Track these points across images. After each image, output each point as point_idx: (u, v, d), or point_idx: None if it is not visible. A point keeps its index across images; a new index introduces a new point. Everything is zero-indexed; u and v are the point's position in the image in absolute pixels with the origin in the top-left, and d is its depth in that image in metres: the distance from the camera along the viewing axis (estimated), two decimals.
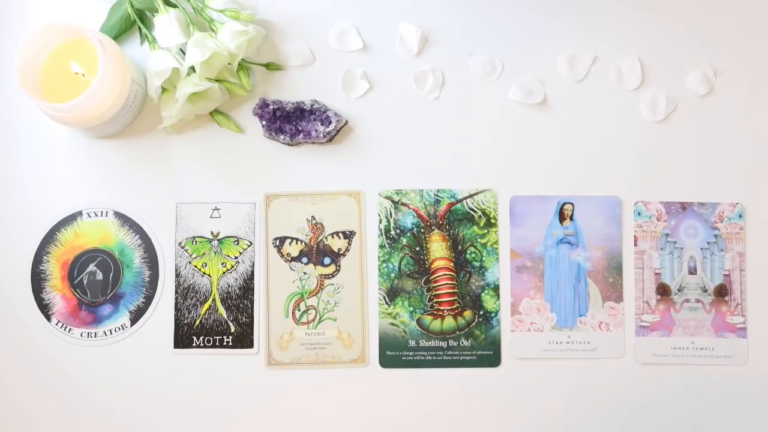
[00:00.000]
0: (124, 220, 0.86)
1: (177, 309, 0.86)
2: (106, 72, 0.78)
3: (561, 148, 0.87)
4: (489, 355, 0.86)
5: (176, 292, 0.86)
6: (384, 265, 0.86)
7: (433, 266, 0.86)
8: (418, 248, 0.86)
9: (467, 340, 0.86)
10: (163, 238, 0.86)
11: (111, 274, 0.86)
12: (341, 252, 0.86)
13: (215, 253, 0.86)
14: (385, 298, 0.86)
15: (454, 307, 0.86)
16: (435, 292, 0.86)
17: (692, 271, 0.86)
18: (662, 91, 0.87)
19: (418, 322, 0.86)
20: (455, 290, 0.86)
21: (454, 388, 0.85)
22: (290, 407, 0.85)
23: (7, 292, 0.86)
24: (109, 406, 0.85)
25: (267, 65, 0.87)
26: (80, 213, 0.86)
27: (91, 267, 0.86)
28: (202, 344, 0.85)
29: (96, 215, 0.87)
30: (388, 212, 0.87)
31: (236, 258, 0.86)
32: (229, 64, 0.84)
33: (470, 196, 0.87)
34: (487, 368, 0.86)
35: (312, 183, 0.87)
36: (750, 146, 0.87)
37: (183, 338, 0.85)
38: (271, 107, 0.85)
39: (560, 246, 0.86)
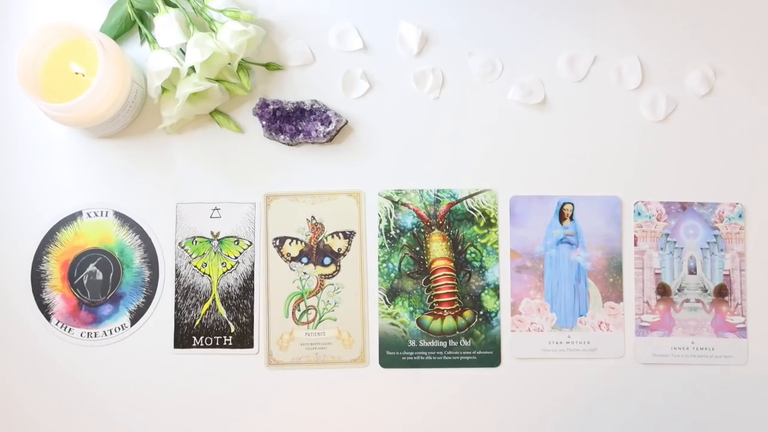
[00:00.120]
0: (124, 220, 0.86)
1: (177, 309, 0.86)
2: (106, 72, 0.78)
3: (561, 148, 0.87)
4: (489, 355, 0.86)
5: (176, 292, 0.86)
6: (384, 265, 0.86)
7: (433, 266, 0.86)
8: (418, 248, 0.86)
9: (467, 340, 0.86)
10: (163, 238, 0.86)
11: (111, 274, 0.86)
12: (341, 252, 0.86)
13: (215, 253, 0.86)
14: (385, 298, 0.86)
15: (454, 307, 0.86)
16: (435, 292, 0.86)
17: (692, 271, 0.86)
18: (662, 91, 0.87)
19: (418, 322, 0.86)
20: (455, 290, 0.86)
21: (454, 388, 0.85)
22: (290, 407, 0.85)
23: (7, 292, 0.86)
24: (109, 406, 0.85)
25: (267, 65, 0.87)
26: (80, 213, 0.86)
27: (91, 267, 0.86)
28: (202, 344, 0.85)
29: (96, 215, 0.87)
30: (388, 212, 0.87)
31: (236, 258, 0.86)
32: (229, 64, 0.84)
33: (470, 196, 0.87)
34: (487, 368, 0.86)
35: (312, 183, 0.87)
36: (750, 146, 0.87)
37: (183, 338, 0.85)
38: (271, 107, 0.85)
39: (560, 246, 0.86)
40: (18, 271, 0.86)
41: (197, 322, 0.86)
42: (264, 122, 0.85)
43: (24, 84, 0.78)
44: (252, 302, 0.86)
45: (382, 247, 0.86)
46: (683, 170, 0.87)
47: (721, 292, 0.86)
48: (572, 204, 0.86)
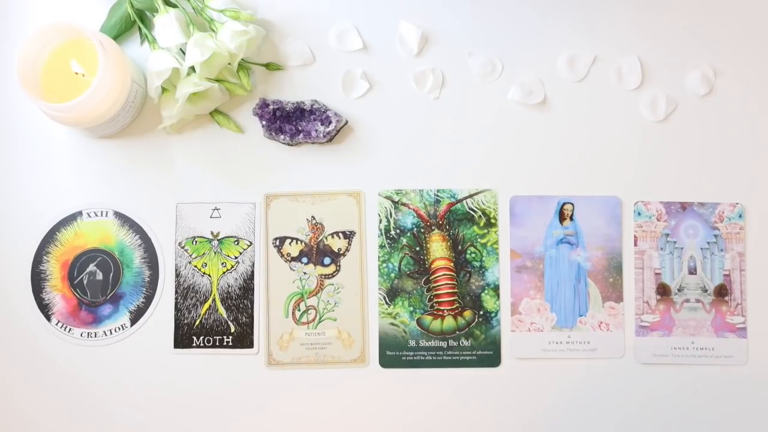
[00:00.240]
0: (124, 220, 0.86)
1: (177, 309, 0.86)
2: (106, 72, 0.78)
3: (561, 148, 0.87)
4: (489, 355, 0.86)
5: (176, 292, 0.86)
6: (384, 265, 0.86)
7: (433, 266, 0.86)
8: (418, 248, 0.86)
9: (467, 340, 0.86)
10: (163, 238, 0.86)
11: (111, 274, 0.86)
12: (341, 252, 0.86)
13: (215, 253, 0.86)
14: (385, 298, 0.86)
15: (454, 307, 0.86)
16: (435, 292, 0.86)
17: (692, 271, 0.86)
18: (662, 91, 0.87)
19: (418, 322, 0.86)
20: (455, 290, 0.86)
21: (454, 388, 0.85)
22: (290, 407, 0.85)
23: (7, 292, 0.86)
24: (109, 406, 0.85)
25: (267, 65, 0.87)
26: (80, 213, 0.86)
27: (91, 267, 0.86)
28: (202, 344, 0.85)
29: (96, 215, 0.87)
30: (388, 212, 0.87)
31: (236, 258, 0.86)
32: (229, 64, 0.84)
33: (470, 196, 0.87)
34: (487, 368, 0.86)
35: (312, 183, 0.87)
36: (750, 146, 0.87)
37: (183, 338, 0.85)
38: (271, 107, 0.85)
39: (560, 246, 0.86)
40: (18, 271, 0.86)
41: (197, 322, 0.86)
42: (264, 122, 0.85)
43: (24, 84, 0.78)
44: (252, 302, 0.86)
45: (382, 247, 0.86)
46: (683, 170, 0.87)
47: (721, 292, 0.86)
48: (572, 204, 0.86)
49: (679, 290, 0.86)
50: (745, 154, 0.87)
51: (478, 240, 0.86)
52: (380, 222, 0.86)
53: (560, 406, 0.85)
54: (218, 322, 0.86)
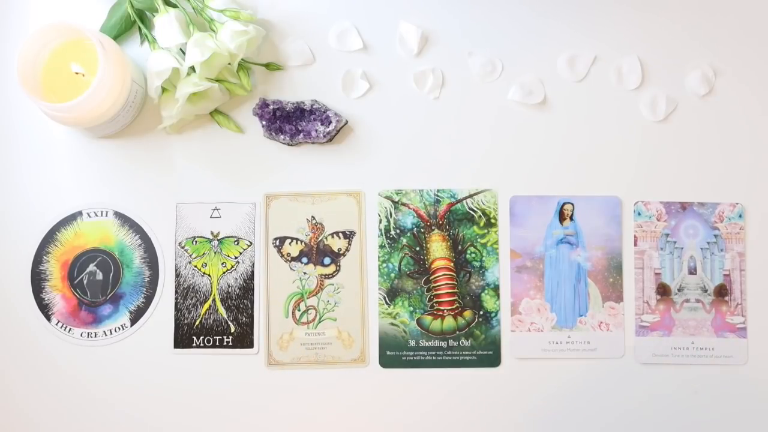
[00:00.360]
0: (124, 220, 0.86)
1: (177, 309, 0.86)
2: (106, 72, 0.78)
3: (561, 148, 0.87)
4: (489, 355, 0.86)
5: (176, 292, 0.86)
6: (384, 265, 0.86)
7: (433, 266, 0.86)
8: (418, 248, 0.86)
9: (467, 340, 0.86)
10: (163, 238, 0.86)
11: (111, 274, 0.86)
12: (341, 252, 0.86)
13: (215, 253, 0.86)
14: (385, 298, 0.86)
15: (454, 307, 0.86)
16: (435, 292, 0.86)
17: (692, 271, 0.86)
18: (662, 91, 0.87)
19: (418, 322, 0.86)
20: (455, 290, 0.86)
21: (454, 388, 0.85)
22: (290, 407, 0.85)
23: (7, 292, 0.86)
24: (109, 406, 0.85)
25: (267, 65, 0.87)
26: (80, 213, 0.86)
27: (91, 267, 0.86)
28: (202, 344, 0.85)
29: (96, 215, 0.87)
30: (388, 212, 0.87)
31: (236, 258, 0.86)
32: (229, 64, 0.84)
33: (470, 196, 0.87)
34: (487, 368, 0.86)
35: (312, 183, 0.87)
36: (750, 146, 0.87)
37: (183, 338, 0.85)
38: (271, 107, 0.85)
39: (560, 246, 0.86)
40: (18, 271, 0.86)
41: (197, 322, 0.86)
42: (264, 122, 0.85)
43: (24, 84, 0.78)
44: (252, 302, 0.86)
45: (382, 247, 0.86)
46: (683, 170, 0.87)
47: (721, 292, 0.86)
48: (572, 204, 0.86)
49: (679, 290, 0.86)
50: (745, 154, 0.87)
51: (478, 240, 0.86)
52: (380, 222, 0.86)
53: (560, 406, 0.85)
54: (218, 322, 0.86)
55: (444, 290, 0.86)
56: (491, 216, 0.87)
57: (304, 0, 0.88)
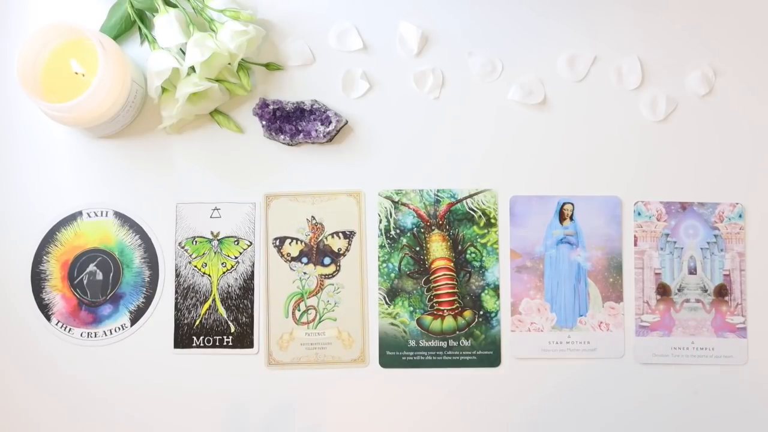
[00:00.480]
0: (124, 220, 0.86)
1: (177, 309, 0.86)
2: (106, 72, 0.78)
3: (561, 148, 0.87)
4: (489, 355, 0.86)
5: (176, 292, 0.86)
6: (384, 265, 0.86)
7: (433, 266, 0.86)
8: (418, 248, 0.86)
9: (467, 340, 0.86)
10: (163, 238, 0.86)
11: (111, 274, 0.86)
12: (341, 252, 0.86)
13: (215, 253, 0.86)
14: (385, 298, 0.86)
15: (454, 307, 0.86)
16: (435, 292, 0.86)
17: (692, 271, 0.86)
18: (662, 91, 0.87)
19: (418, 322, 0.86)
20: (455, 290, 0.86)
21: (454, 388, 0.85)
22: (290, 407, 0.85)
23: (7, 292, 0.86)
24: (109, 406, 0.85)
25: (267, 65, 0.87)
26: (80, 213, 0.86)
27: (91, 267, 0.86)
28: (202, 344, 0.85)
29: (96, 215, 0.87)
30: (388, 212, 0.87)
31: (236, 258, 0.86)
32: (229, 64, 0.84)
33: (470, 196, 0.87)
34: (487, 368, 0.86)
35: (312, 183, 0.87)
36: (750, 146, 0.87)
37: (183, 338, 0.85)
38: (271, 107, 0.85)
39: (560, 246, 0.86)
40: (18, 271, 0.86)
41: (197, 322, 0.86)
42: (264, 122, 0.85)
43: (24, 84, 0.78)
44: (252, 302, 0.86)
45: (382, 247, 0.86)
46: (683, 170, 0.87)
47: (721, 292, 0.86)
48: (572, 204, 0.86)
49: (679, 290, 0.86)
50: (745, 154, 0.87)
51: (478, 240, 0.86)
52: (380, 222, 0.86)
53: (560, 406, 0.85)
54: (218, 322, 0.86)
55: (444, 290, 0.86)
56: (491, 216, 0.87)
57: (304, 0, 0.88)
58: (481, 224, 0.87)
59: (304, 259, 0.86)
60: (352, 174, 0.87)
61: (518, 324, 0.86)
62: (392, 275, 0.86)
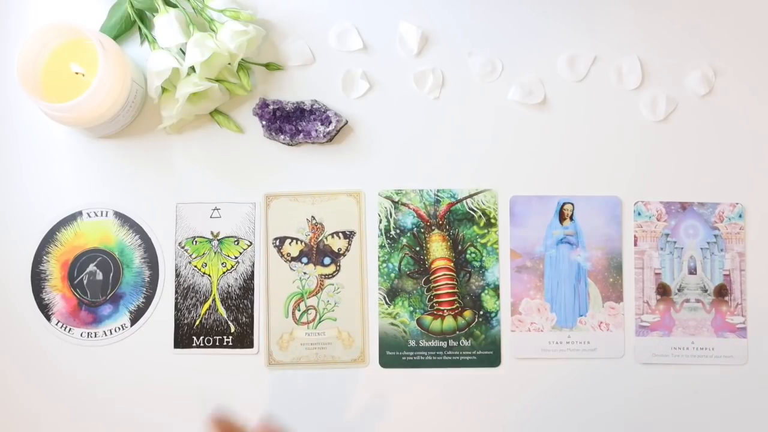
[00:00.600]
0: (124, 220, 0.86)
1: (177, 309, 0.86)
2: (106, 72, 0.78)
3: (561, 148, 0.87)
4: (489, 355, 0.86)
5: (176, 292, 0.86)
6: (384, 265, 0.86)
7: (433, 266, 0.86)
8: (418, 248, 0.86)
9: (467, 340, 0.86)
10: (163, 238, 0.86)
11: (111, 274, 0.86)
12: (341, 252, 0.86)
13: (215, 253, 0.86)
14: (385, 298, 0.86)
15: (454, 307, 0.86)
16: (435, 292, 0.86)
17: (692, 271, 0.86)
18: (662, 91, 0.87)
19: (418, 322, 0.86)
20: (455, 290, 0.86)
21: (454, 388, 0.85)
22: (290, 407, 0.85)
23: (7, 292, 0.86)
24: (109, 406, 0.85)
25: (267, 65, 0.87)
26: (80, 213, 0.86)
27: (91, 267, 0.86)
28: (202, 344, 0.85)
29: (96, 215, 0.87)
30: (388, 212, 0.87)
31: (236, 258, 0.86)
32: (229, 64, 0.84)
33: (470, 196, 0.87)
34: (487, 368, 0.86)
35: (312, 183, 0.87)
36: (750, 146, 0.87)
37: (183, 338, 0.85)
38: (271, 107, 0.85)
39: (560, 246, 0.86)
40: (18, 271, 0.86)
41: (197, 322, 0.86)
42: (264, 122, 0.85)
43: (24, 84, 0.78)
44: (252, 302, 0.86)
45: (382, 247, 0.86)
46: (683, 170, 0.87)
47: (721, 292, 0.86)
48: (572, 204, 0.86)
49: (679, 290, 0.86)
50: (745, 154, 0.87)
51: (478, 240, 0.86)
52: (380, 222, 0.86)
53: (560, 406, 0.85)
54: (218, 322, 0.86)
55: (444, 290, 0.86)
56: (491, 216, 0.87)
57: (304, 0, 0.88)
58: (481, 224, 0.87)
59: (304, 259, 0.86)
60: (352, 174, 0.87)
61: (518, 324, 0.86)
62: (392, 275, 0.86)
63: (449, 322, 0.86)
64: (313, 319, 0.86)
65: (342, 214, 0.86)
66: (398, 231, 0.86)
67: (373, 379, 0.85)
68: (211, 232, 0.86)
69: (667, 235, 0.86)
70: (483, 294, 0.86)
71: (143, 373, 0.85)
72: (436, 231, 0.87)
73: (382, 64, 0.88)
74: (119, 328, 0.85)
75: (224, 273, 0.86)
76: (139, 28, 0.86)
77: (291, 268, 0.86)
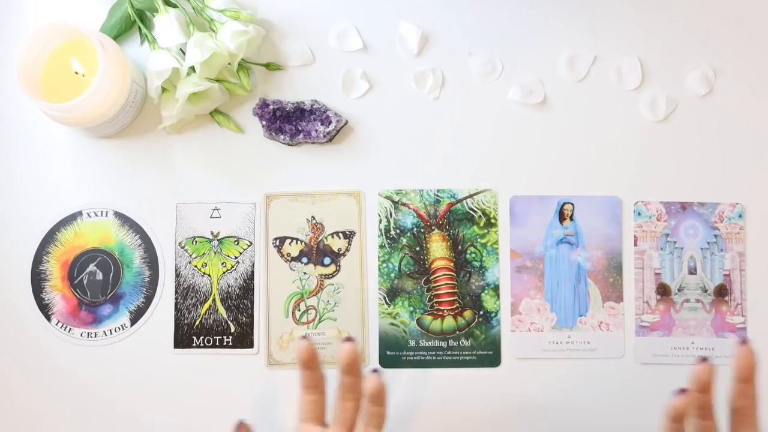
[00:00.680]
0: (124, 220, 0.86)
1: (177, 309, 0.86)
2: (106, 72, 0.78)
3: (561, 148, 0.87)
4: (489, 355, 0.86)
5: (176, 292, 0.86)
6: (384, 265, 0.86)
7: (433, 266, 0.86)
8: (418, 248, 0.86)
9: (467, 340, 0.86)
10: (163, 238, 0.86)
11: (111, 274, 0.86)
12: (341, 252, 0.86)
13: (215, 253, 0.86)
14: (385, 298, 0.86)
15: (454, 307, 0.86)
16: (435, 292, 0.86)
17: (692, 271, 0.86)
18: (662, 91, 0.87)
19: (418, 322, 0.86)
20: (455, 290, 0.86)
21: (454, 388, 0.85)
22: (290, 407, 0.85)
23: (7, 292, 0.86)
24: (109, 407, 0.85)
25: (267, 65, 0.87)
26: (80, 213, 0.86)
27: (91, 267, 0.86)
28: (202, 344, 0.85)
29: (96, 215, 0.87)
30: (388, 212, 0.87)
31: (236, 258, 0.86)
32: (229, 64, 0.84)
33: (470, 196, 0.87)
34: (487, 368, 0.86)
35: (312, 183, 0.87)
36: (750, 146, 0.87)
37: (183, 338, 0.85)
38: (271, 107, 0.85)
39: (560, 246, 0.86)
40: (18, 271, 0.86)
41: (197, 322, 0.86)
42: (264, 122, 0.85)
43: (24, 84, 0.78)
44: (252, 302, 0.86)
45: (382, 247, 0.86)
46: (683, 170, 0.87)
47: (721, 292, 0.86)
48: (572, 204, 0.86)
49: (679, 290, 0.86)
50: (745, 154, 0.87)
51: (478, 240, 0.86)
52: (380, 222, 0.86)
53: (560, 406, 0.85)
54: (218, 322, 0.86)
55: (444, 290, 0.86)
56: (491, 216, 0.87)
57: (304, 0, 0.88)
58: (481, 224, 0.87)
59: (304, 259, 0.86)
60: (352, 174, 0.87)
61: (518, 324, 0.86)
62: (392, 275, 0.86)
63: (449, 322, 0.86)
64: (313, 319, 0.86)
65: (342, 214, 0.86)
66: (398, 231, 0.86)
67: None
68: (211, 232, 0.86)
69: (667, 235, 0.86)
70: (483, 294, 0.86)
71: (143, 373, 0.85)
72: (436, 231, 0.87)
73: (382, 64, 0.88)
74: (119, 328, 0.85)
75: (224, 273, 0.86)
76: (139, 28, 0.86)
77: (291, 268, 0.86)
